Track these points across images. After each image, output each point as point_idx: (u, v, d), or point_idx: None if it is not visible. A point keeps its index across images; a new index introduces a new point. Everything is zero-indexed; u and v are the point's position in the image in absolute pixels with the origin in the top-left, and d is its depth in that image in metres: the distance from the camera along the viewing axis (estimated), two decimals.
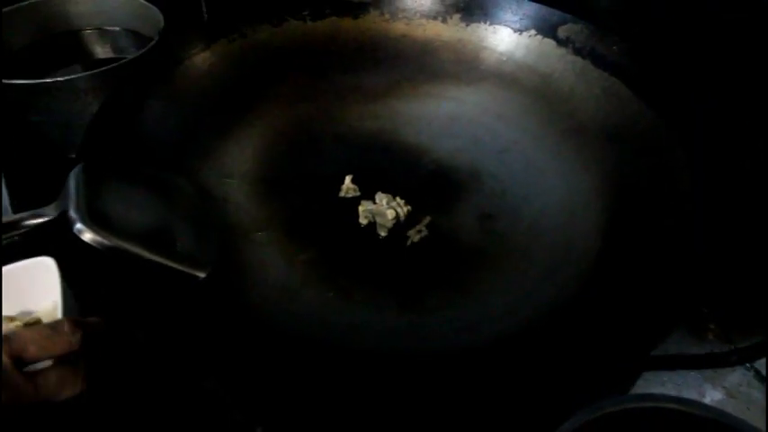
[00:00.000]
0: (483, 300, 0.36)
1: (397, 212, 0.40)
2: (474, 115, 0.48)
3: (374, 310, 0.35)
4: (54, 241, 0.31)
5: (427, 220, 0.41)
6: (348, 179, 0.43)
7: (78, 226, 0.30)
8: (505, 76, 0.49)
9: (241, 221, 0.40)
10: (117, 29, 0.55)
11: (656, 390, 0.32)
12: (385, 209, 0.40)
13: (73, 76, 0.44)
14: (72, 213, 0.30)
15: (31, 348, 0.23)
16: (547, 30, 0.48)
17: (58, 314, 0.28)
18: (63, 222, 0.30)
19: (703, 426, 0.22)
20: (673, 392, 0.32)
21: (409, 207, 0.41)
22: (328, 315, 0.35)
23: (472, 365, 0.31)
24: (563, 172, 0.43)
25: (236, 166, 0.44)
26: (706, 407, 0.23)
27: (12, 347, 0.23)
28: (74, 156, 0.36)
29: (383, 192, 0.42)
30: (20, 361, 0.23)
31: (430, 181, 0.44)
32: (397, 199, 0.42)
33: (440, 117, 0.49)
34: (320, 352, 0.32)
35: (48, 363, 0.24)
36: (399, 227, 0.40)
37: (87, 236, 0.29)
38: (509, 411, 0.27)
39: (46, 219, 0.30)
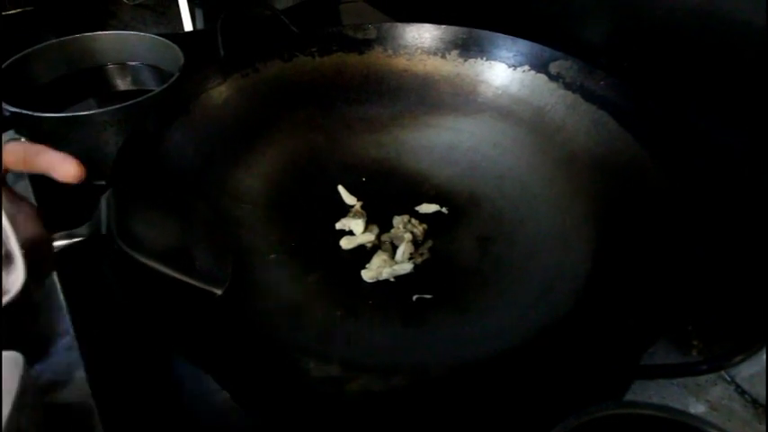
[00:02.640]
0: (481, 317, 0.38)
1: (413, 234, 0.43)
2: (472, 144, 0.52)
3: (379, 326, 0.38)
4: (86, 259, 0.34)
5: (429, 243, 0.44)
6: (358, 204, 0.47)
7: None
8: (501, 108, 0.52)
9: (254, 244, 0.43)
10: (138, 64, 0.60)
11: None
12: (402, 232, 0.43)
13: (99, 111, 0.47)
14: (105, 232, 0.33)
15: None
16: (539, 65, 0.51)
17: None
18: (93, 242, 0.33)
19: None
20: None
21: (425, 225, 0.44)
22: (336, 332, 0.37)
23: (471, 379, 0.33)
24: (556, 197, 0.46)
25: (249, 192, 0.47)
26: (689, 415, 0.25)
27: None
28: (102, 182, 0.40)
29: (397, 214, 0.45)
30: None
31: None
32: (413, 220, 0.45)
33: (440, 146, 0.52)
34: (327, 365, 0.34)
35: None
36: (416, 246, 0.43)
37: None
38: (506, 421, 0.29)
39: (79, 239, 0.33)
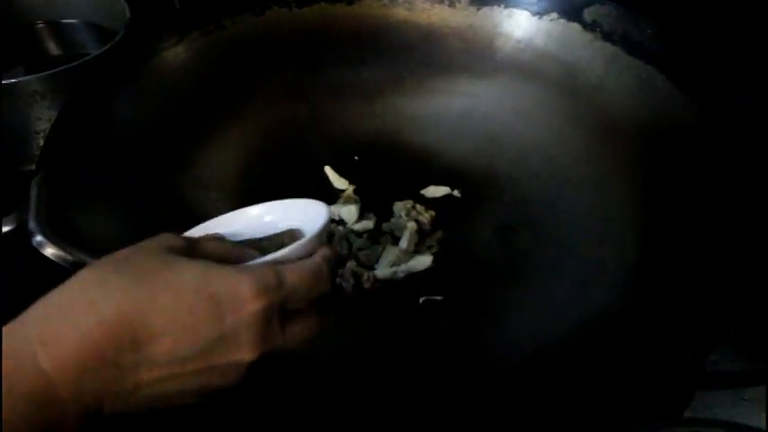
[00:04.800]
0: (503, 321, 0.39)
1: (419, 222, 0.44)
2: (488, 112, 0.52)
3: (378, 334, 0.38)
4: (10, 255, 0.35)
5: (438, 234, 0.45)
6: (350, 189, 0.47)
7: (38, 239, 0.33)
8: (524, 67, 0.52)
9: None
10: (74, 22, 0.60)
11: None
12: (405, 221, 0.44)
13: (27, 78, 0.47)
14: (32, 225, 0.33)
15: (299, 293, 0.24)
16: (571, 12, 0.51)
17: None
18: (22, 234, 0.34)
19: None
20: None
21: (432, 212, 0.45)
22: (326, 339, 0.38)
23: (490, 394, 0.34)
24: (593, 176, 0.46)
25: (216, 177, 0.47)
26: None
27: (284, 293, 0.23)
28: (31, 168, 0.40)
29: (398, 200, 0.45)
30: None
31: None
32: (418, 206, 0.45)
33: (449, 115, 0.52)
34: (319, 377, 0.35)
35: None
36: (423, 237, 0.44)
37: (49, 250, 0.33)
38: None
39: (4, 230, 0.34)
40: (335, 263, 0.28)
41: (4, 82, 0.47)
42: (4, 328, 0.20)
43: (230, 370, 0.23)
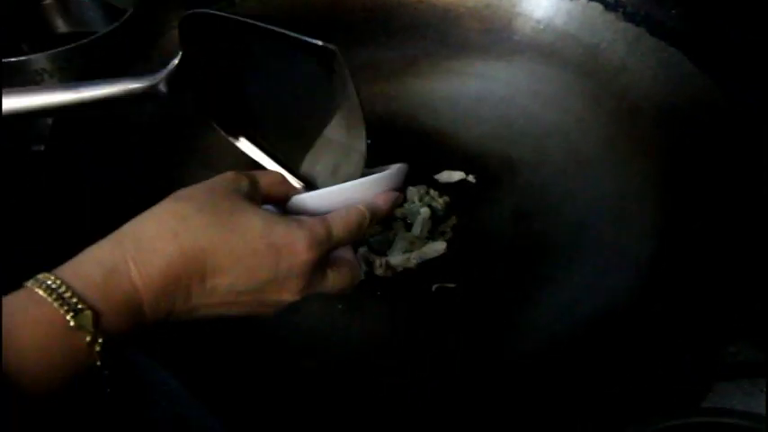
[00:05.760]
0: (518, 310, 0.38)
1: (432, 207, 0.43)
2: (506, 95, 0.51)
3: (389, 324, 0.38)
4: None
5: (453, 220, 0.44)
6: None
7: None
8: (543, 48, 0.51)
9: None
10: None
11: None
12: (418, 206, 0.43)
13: (35, 56, 0.47)
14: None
15: (343, 241, 0.28)
16: None
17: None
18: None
19: None
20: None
21: (447, 197, 0.44)
22: (336, 329, 0.37)
23: (499, 388, 0.34)
24: (613, 161, 0.46)
25: (225, 158, 0.47)
26: None
27: (331, 244, 0.27)
28: (41, 147, 0.40)
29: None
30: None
31: None
32: (432, 191, 0.45)
33: (465, 98, 0.52)
34: (326, 368, 0.35)
35: None
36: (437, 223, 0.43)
37: None
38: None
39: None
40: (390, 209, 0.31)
41: (11, 59, 0.47)
42: (105, 241, 0.24)
43: (273, 305, 0.27)
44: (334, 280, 0.28)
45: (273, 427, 0.31)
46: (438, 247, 0.41)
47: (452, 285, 0.40)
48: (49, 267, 0.23)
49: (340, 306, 0.39)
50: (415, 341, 0.37)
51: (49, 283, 0.21)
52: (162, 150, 0.45)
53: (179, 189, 0.27)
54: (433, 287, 0.40)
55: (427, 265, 0.41)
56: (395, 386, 0.35)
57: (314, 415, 0.32)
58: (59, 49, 0.47)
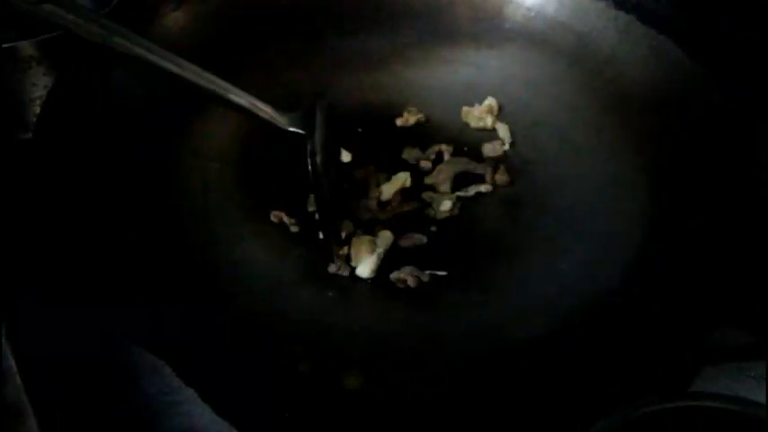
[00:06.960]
0: (507, 297, 0.39)
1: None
2: (497, 83, 0.51)
3: (381, 310, 0.39)
4: None
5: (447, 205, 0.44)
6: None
7: None
8: (534, 36, 0.51)
9: (224, 211, 0.43)
10: None
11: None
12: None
13: (20, 42, 0.47)
14: None
15: None
16: None
17: None
18: None
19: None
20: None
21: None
22: (326, 316, 0.38)
23: (493, 373, 0.34)
24: (603, 149, 0.46)
25: (217, 148, 0.47)
26: None
27: None
28: (29, 135, 0.40)
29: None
30: None
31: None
32: None
33: (455, 86, 0.52)
34: (316, 357, 0.35)
35: None
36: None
37: None
38: (541, 420, 0.30)
39: None
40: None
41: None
42: None
43: None
44: None
45: (267, 420, 0.31)
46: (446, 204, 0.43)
47: (443, 273, 0.40)
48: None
49: (330, 294, 0.39)
50: (411, 330, 0.38)
51: None
52: (153, 138, 0.45)
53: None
54: (426, 273, 0.40)
55: (418, 253, 0.41)
56: (384, 368, 0.35)
57: (308, 408, 0.32)
58: (47, 35, 0.47)
